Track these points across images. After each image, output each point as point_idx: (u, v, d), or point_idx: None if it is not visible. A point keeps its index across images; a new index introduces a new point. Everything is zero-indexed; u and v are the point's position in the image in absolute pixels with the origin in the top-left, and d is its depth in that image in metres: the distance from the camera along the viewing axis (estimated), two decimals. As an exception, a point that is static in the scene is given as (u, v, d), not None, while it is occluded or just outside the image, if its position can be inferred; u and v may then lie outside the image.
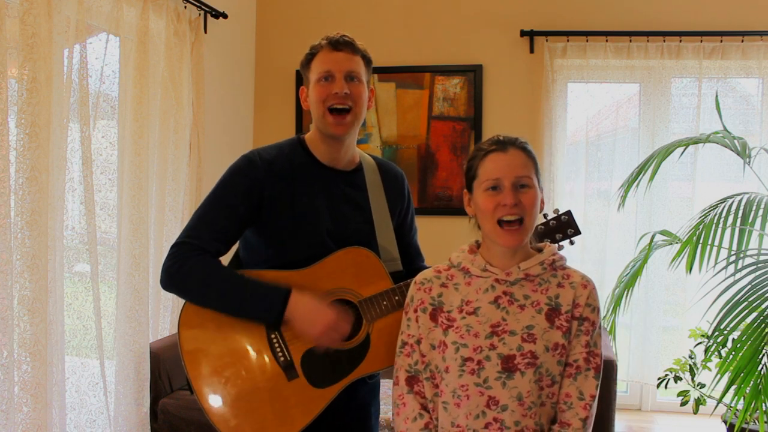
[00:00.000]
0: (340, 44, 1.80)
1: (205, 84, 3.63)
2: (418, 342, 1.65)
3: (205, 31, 3.69)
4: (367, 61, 1.85)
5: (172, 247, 1.79)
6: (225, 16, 3.83)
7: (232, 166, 1.85)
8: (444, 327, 1.61)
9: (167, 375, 3.16)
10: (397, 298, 1.80)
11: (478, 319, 1.58)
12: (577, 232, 1.94)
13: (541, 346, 1.55)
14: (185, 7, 3.44)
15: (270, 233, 1.83)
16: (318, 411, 1.74)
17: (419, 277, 1.70)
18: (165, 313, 3.35)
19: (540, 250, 1.66)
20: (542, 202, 1.64)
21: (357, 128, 1.86)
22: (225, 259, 1.88)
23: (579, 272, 1.65)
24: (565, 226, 1.93)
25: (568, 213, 1.95)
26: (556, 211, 1.95)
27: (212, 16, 3.74)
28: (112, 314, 3.02)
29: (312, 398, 1.74)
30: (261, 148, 1.89)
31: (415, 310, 1.67)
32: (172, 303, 3.36)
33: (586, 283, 1.62)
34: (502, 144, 1.62)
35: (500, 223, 1.57)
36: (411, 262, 2.00)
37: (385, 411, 2.69)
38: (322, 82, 1.79)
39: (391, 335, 1.77)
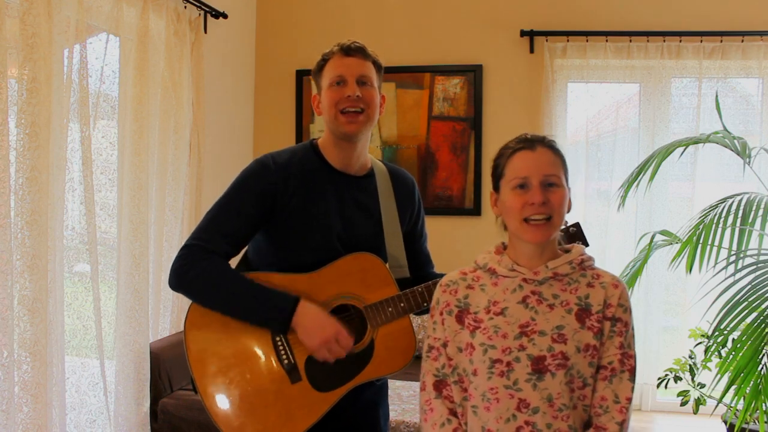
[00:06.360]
0: (352, 50, 1.82)
1: (205, 84, 3.63)
2: (445, 345, 1.59)
3: (205, 31, 3.69)
4: (378, 67, 1.87)
5: (182, 248, 1.79)
6: (225, 16, 3.83)
7: (246, 170, 1.85)
8: (471, 329, 1.55)
9: (167, 375, 3.16)
10: (402, 304, 1.80)
11: (506, 320, 1.53)
12: (585, 245, 1.91)
13: (572, 346, 1.50)
14: (185, 7, 3.44)
15: (280, 236, 1.83)
16: (321, 414, 1.75)
17: (444, 279, 1.65)
18: (165, 313, 3.35)
19: (567, 251, 1.62)
20: (570, 202, 1.61)
21: (369, 130, 1.86)
22: (234, 261, 1.88)
23: (609, 273, 1.61)
24: (573, 239, 1.91)
25: (577, 225, 1.92)
26: (564, 222, 1.93)
27: (212, 16, 3.74)
28: (112, 314, 3.01)
29: (315, 401, 1.75)
30: (274, 152, 1.89)
31: (441, 313, 1.61)
32: (172, 303, 3.36)
33: (617, 283, 1.58)
34: (530, 142, 1.58)
35: (527, 220, 1.53)
36: (420, 268, 2.00)
37: (392, 411, 2.68)
38: (335, 86, 1.81)
39: (395, 341, 1.77)
